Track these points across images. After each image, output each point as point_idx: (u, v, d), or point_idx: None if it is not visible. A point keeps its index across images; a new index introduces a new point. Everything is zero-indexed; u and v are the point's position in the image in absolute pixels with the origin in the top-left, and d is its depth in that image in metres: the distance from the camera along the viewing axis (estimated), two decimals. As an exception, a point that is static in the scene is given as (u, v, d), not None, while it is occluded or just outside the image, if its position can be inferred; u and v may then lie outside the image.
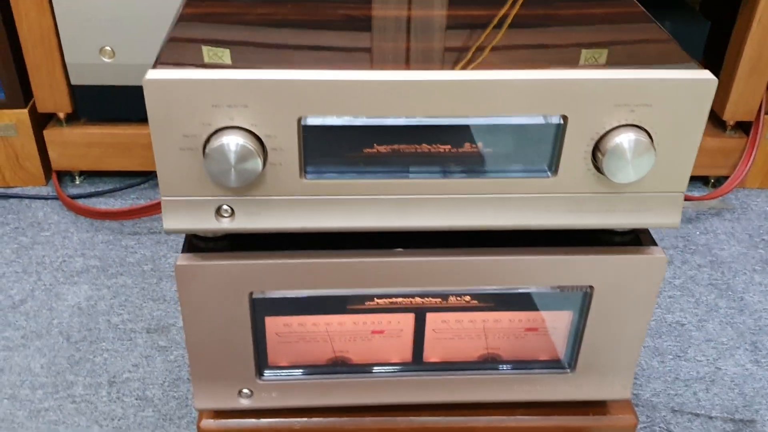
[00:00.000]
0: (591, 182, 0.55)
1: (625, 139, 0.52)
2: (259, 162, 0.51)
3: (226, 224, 0.55)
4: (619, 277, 0.60)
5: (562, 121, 0.52)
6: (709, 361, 0.87)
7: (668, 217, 0.57)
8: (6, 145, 1.07)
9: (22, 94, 1.04)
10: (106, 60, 1.00)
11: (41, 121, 1.07)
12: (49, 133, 1.06)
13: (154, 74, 0.49)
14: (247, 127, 0.51)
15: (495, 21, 0.60)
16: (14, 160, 1.08)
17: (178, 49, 0.54)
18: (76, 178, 1.12)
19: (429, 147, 0.54)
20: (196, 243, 0.59)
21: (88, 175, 1.13)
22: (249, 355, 0.63)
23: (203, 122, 0.51)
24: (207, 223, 0.55)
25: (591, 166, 0.54)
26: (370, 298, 0.61)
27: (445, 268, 0.59)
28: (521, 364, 0.66)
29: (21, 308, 0.90)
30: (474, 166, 0.55)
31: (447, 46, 0.58)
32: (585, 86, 0.51)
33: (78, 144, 1.07)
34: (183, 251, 0.58)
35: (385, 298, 0.61)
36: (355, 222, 0.55)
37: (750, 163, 1.12)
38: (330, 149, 0.53)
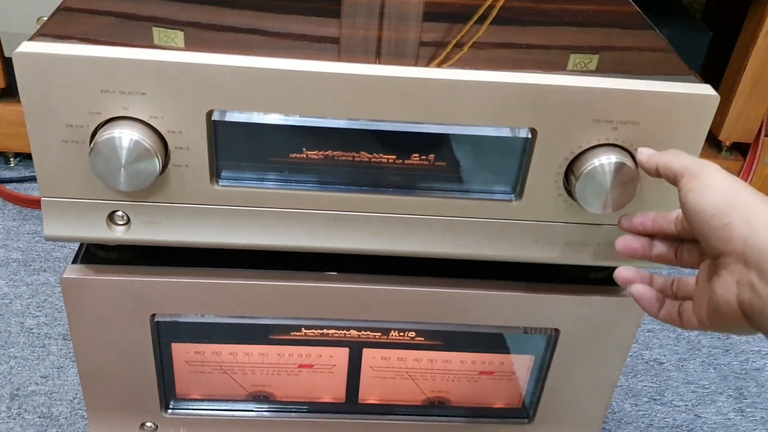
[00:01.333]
0: (562, 210, 0.46)
1: (604, 161, 0.43)
2: (157, 162, 0.41)
3: (119, 234, 0.46)
4: (589, 321, 0.51)
5: (530, 135, 0.43)
6: (687, 407, 0.78)
7: (651, 255, 0.48)
8: (-68, 119, 0.96)
9: (-49, 63, 0.94)
10: (45, 31, 0.90)
11: (-28, 96, 0.97)
12: (-20, 109, 0.96)
13: (28, 47, 0.40)
14: (145, 119, 0.41)
15: (476, 14, 0.51)
16: (-59, 136, 0.98)
17: (68, 20, 0.45)
18: (11, 159, 1.01)
19: (369, 156, 0.44)
20: (94, 252, 0.50)
21: (24, 157, 1.03)
22: (152, 385, 0.53)
23: (91, 110, 0.41)
24: (97, 231, 0.45)
25: (563, 190, 0.45)
26: (297, 328, 0.52)
27: (387, 298, 0.50)
28: (473, 411, 0.57)
29: (-75, 303, 0.80)
30: (424, 181, 0.45)
31: (408, 38, 0.49)
32: (559, 95, 0.42)
33: (12, 122, 0.97)
34: (74, 261, 0.49)
35: (315, 329, 0.52)
36: (275, 240, 0.46)
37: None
38: (248, 151, 0.44)
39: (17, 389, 0.72)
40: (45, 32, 0.42)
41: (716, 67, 1.06)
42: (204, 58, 0.40)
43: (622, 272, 0.42)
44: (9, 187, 0.96)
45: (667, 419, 0.76)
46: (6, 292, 0.82)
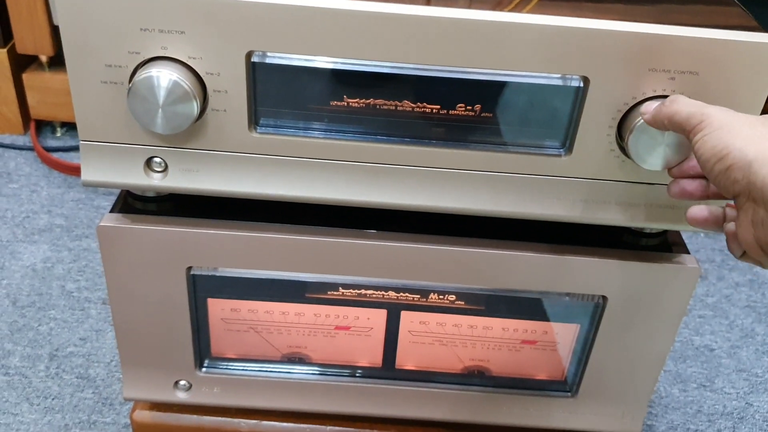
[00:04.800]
0: (614, 166, 0.44)
1: (661, 113, 0.40)
2: (195, 105, 0.41)
3: (156, 181, 0.45)
4: (639, 288, 0.49)
5: (582, 84, 0.41)
6: (739, 394, 0.75)
7: (708, 218, 0.46)
8: (-17, 87, 0.98)
9: (2, 33, 0.95)
10: None
11: (22, 64, 0.98)
12: (28, 77, 0.97)
13: (68, -18, 0.39)
14: (184, 60, 0.41)
15: None
16: (-9, 104, 0.99)
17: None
18: (57, 129, 1.02)
19: (413, 105, 0.43)
20: (132, 203, 0.49)
21: (71, 127, 1.04)
22: (187, 342, 0.53)
23: (130, 50, 0.40)
24: (134, 177, 0.45)
25: (615, 145, 0.43)
26: (335, 287, 0.51)
27: (427, 258, 0.48)
28: (514, 382, 0.55)
29: (-29, 264, 0.81)
30: (469, 133, 0.44)
31: None
32: (613, 41, 0.40)
33: (60, 91, 0.98)
34: (112, 210, 0.49)
35: (353, 288, 0.51)
36: (313, 192, 0.45)
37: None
38: (287, 97, 0.43)
39: (56, 350, 0.72)
40: (86, -30, 0.41)
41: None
42: (245, -3, 0.39)
43: (695, 211, 0.39)
44: (55, 155, 0.97)
45: (716, 406, 0.73)
46: (48, 257, 0.83)
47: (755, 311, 0.86)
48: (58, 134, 1.03)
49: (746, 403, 0.74)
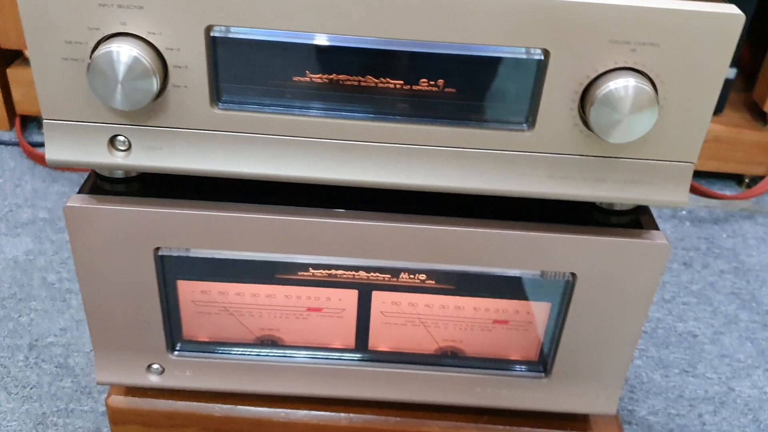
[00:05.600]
0: (578, 141, 0.44)
1: (621, 85, 0.40)
2: (155, 81, 0.40)
3: (120, 159, 0.45)
4: (608, 265, 0.48)
5: (542, 57, 0.41)
6: (721, 379, 0.75)
7: (673, 192, 0.46)
8: (-33, 82, 0.98)
9: (-15, 26, 0.95)
10: (76, -7, 0.90)
11: (6, 59, 0.98)
12: (13, 72, 0.97)
13: (26, -43, 0.39)
14: (143, 36, 0.41)
15: None
16: (-24, 100, 0.99)
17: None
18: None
19: (376, 80, 0.43)
20: (100, 185, 0.49)
21: (57, 122, 1.04)
22: (158, 325, 0.53)
23: (89, 26, 0.40)
24: (98, 156, 0.45)
25: (578, 119, 0.43)
26: (305, 267, 0.51)
27: (396, 236, 0.48)
28: (487, 363, 0.55)
29: (-48, 257, 0.81)
30: (433, 109, 0.44)
31: None
32: (573, 12, 0.40)
33: (44, 86, 0.98)
34: (80, 191, 0.49)
35: (323, 269, 0.51)
36: (277, 169, 0.45)
37: (790, 161, 0.99)
38: (249, 72, 0.43)
39: (36, 340, 0.72)
40: (45, -54, 0.41)
41: (764, 35, 1.02)
42: (203, -29, 0.39)
43: None
44: (40, 150, 0.97)
45: (698, 391, 0.73)
46: (31, 249, 0.83)
47: (739, 298, 0.85)
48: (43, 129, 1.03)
49: (728, 388, 0.74)
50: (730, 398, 0.73)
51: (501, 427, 0.59)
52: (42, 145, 0.99)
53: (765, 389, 0.74)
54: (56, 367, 0.70)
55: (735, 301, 0.85)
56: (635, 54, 0.41)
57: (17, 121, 1.00)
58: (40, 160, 0.96)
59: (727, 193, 1.01)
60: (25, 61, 0.98)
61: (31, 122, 1.04)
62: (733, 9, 0.40)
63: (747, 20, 0.95)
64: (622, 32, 0.40)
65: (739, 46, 0.97)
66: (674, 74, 0.41)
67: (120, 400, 0.59)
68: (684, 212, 0.98)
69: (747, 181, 1.04)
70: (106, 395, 0.68)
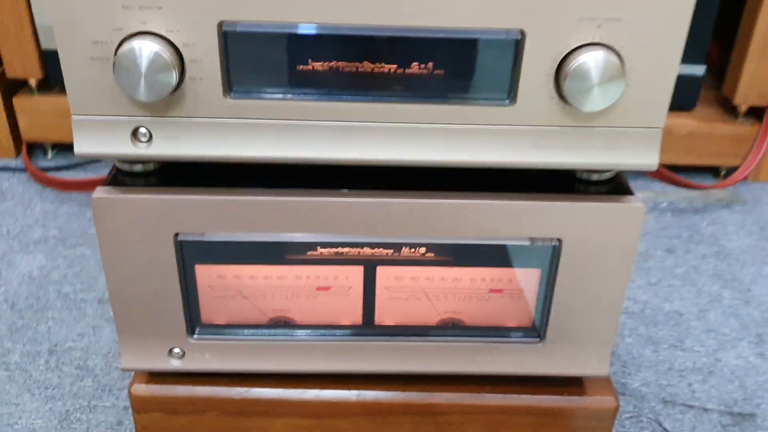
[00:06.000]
0: (555, 113, 0.48)
1: (590, 58, 0.45)
2: (174, 74, 0.45)
3: (143, 149, 0.49)
4: (590, 229, 0.53)
5: (519, 37, 0.46)
6: (708, 352, 0.79)
7: (644, 156, 0.50)
8: (-25, 113, 1.03)
9: (-8, 58, 1.00)
10: (78, 23, 0.95)
11: (12, 89, 1.03)
12: (19, 101, 1.02)
13: (56, -33, 0.44)
14: (162, 33, 0.45)
15: None
16: (-16, 130, 1.04)
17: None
18: (48, 151, 1.07)
19: (372, 66, 0.48)
20: (122, 179, 0.54)
21: (62, 148, 1.08)
22: (179, 310, 0.56)
23: (114, 27, 0.45)
24: (122, 147, 0.49)
25: (554, 93, 0.48)
26: (313, 246, 0.55)
27: (396, 211, 0.52)
28: (485, 332, 0.59)
29: (-31, 274, 0.85)
30: (424, 89, 0.48)
31: None
32: (544, -6, 0.45)
33: (50, 113, 1.03)
34: (103, 185, 0.53)
35: (330, 247, 0.55)
36: (285, 151, 0.49)
37: (762, 151, 1.04)
38: (257, 63, 0.47)
39: (55, 346, 0.76)
40: (71, -41, 0.46)
41: (730, 33, 1.08)
42: (214, -27, 0.44)
43: None
44: (52, 174, 1.01)
45: (687, 363, 0.77)
46: (44, 264, 0.87)
47: (721, 279, 0.90)
48: (49, 156, 1.08)
49: (715, 359, 0.78)
50: (717, 368, 0.77)
51: (501, 395, 0.62)
52: (48, 170, 1.04)
53: (749, 358, 0.78)
54: (76, 369, 0.73)
55: (718, 282, 0.89)
56: (601, 29, 0.46)
57: (23, 148, 1.04)
58: (48, 182, 1.00)
59: (705, 184, 1.06)
60: (30, 90, 1.02)
61: (36, 149, 1.08)
62: (685, -15, 0.45)
63: (713, 20, 1.01)
64: (589, 10, 0.45)
65: (707, 44, 1.03)
66: (637, 46, 0.46)
67: (142, 388, 0.62)
68: (665, 204, 1.03)
69: (723, 172, 1.09)
70: (125, 391, 0.71)
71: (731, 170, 1.08)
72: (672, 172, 1.02)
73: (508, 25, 0.46)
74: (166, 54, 0.45)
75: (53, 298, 0.82)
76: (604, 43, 0.46)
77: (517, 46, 0.47)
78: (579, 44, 0.46)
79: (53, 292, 0.83)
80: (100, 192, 0.52)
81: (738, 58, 1.03)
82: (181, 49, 0.46)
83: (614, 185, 0.55)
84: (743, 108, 1.05)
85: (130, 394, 0.63)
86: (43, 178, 1.00)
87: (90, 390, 0.71)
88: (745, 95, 1.03)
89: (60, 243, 0.90)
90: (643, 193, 1.05)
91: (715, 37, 1.14)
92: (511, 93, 0.48)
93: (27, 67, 0.99)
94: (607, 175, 0.54)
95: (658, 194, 1.05)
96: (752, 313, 0.85)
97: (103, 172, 0.99)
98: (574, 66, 0.45)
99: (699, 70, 1.03)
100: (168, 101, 0.47)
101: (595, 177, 0.54)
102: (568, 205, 0.52)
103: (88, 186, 0.98)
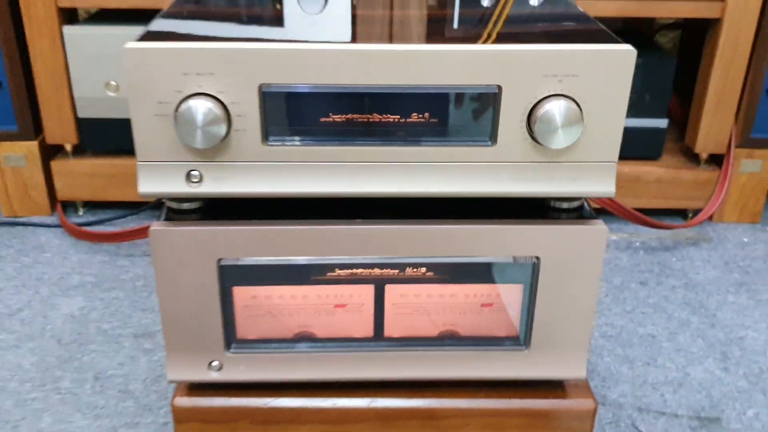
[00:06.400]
0: (529, 151, 0.60)
1: (554, 106, 0.57)
2: (224, 127, 0.57)
3: (194, 188, 0.60)
4: (562, 248, 0.64)
5: (497, 90, 0.58)
6: (678, 367, 0.89)
7: (603, 185, 0.62)
8: (16, 176, 1.14)
9: (33, 126, 1.11)
10: (111, 94, 1.08)
11: (49, 153, 1.15)
12: (56, 164, 1.14)
13: (132, 44, 0.56)
14: (214, 94, 0.57)
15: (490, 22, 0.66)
16: (23, 190, 1.15)
17: (155, 32, 0.61)
18: (79, 208, 1.18)
19: (380, 117, 0.59)
20: (172, 216, 0.65)
21: (91, 206, 1.19)
22: (218, 327, 0.67)
23: (175, 89, 0.57)
24: (178, 187, 0.60)
25: (527, 135, 0.59)
26: (332, 268, 0.66)
27: (401, 236, 0.63)
28: (479, 341, 0.69)
29: (17, 316, 0.95)
30: (422, 135, 0.60)
31: (395, 27, 0.64)
32: (515, 57, 0.57)
33: (82, 174, 1.14)
34: (158, 220, 0.64)
35: (346, 269, 0.66)
36: (312, 187, 0.60)
37: (723, 194, 1.16)
38: (289, 117, 0.59)
39: (98, 373, 0.85)
40: (141, 38, 0.58)
41: (689, 91, 1.21)
42: (253, 45, 0.56)
43: None
44: (89, 228, 1.12)
45: (659, 377, 0.87)
46: (84, 305, 0.97)
47: (690, 306, 1.00)
48: (80, 213, 1.19)
49: (684, 373, 0.88)
50: (686, 381, 0.87)
51: (495, 400, 0.72)
52: (81, 225, 1.14)
53: (715, 372, 0.88)
54: (119, 392, 0.82)
55: (686, 309, 1.00)
56: (562, 83, 0.58)
57: (59, 206, 1.15)
58: (81, 235, 1.10)
59: (674, 224, 1.17)
60: (66, 155, 1.14)
61: (68, 207, 1.19)
62: (627, 47, 0.57)
63: (672, 80, 1.15)
64: (552, 68, 0.57)
65: (667, 101, 1.16)
66: (591, 97, 0.58)
67: (183, 401, 0.72)
68: (638, 243, 1.14)
69: (690, 214, 1.21)
70: (163, 410, 0.80)
71: (697, 212, 1.19)
72: (643, 215, 1.13)
73: (488, 81, 0.58)
74: (218, 110, 0.56)
75: (94, 333, 0.92)
76: (565, 94, 0.58)
77: (495, 98, 0.58)
78: (545, 95, 0.58)
79: (93, 329, 0.92)
80: (156, 225, 0.62)
81: (696, 113, 1.16)
82: (228, 107, 0.57)
83: (581, 212, 0.66)
84: (704, 156, 1.18)
85: (172, 406, 0.72)
86: (76, 232, 1.11)
87: (132, 409, 0.80)
88: (704, 145, 1.16)
89: (96, 287, 1.01)
90: (618, 235, 1.17)
91: (678, 94, 1.28)
92: (492, 135, 0.60)
93: (65, 134, 1.11)
94: (575, 204, 0.66)
95: (632, 235, 1.17)
96: (717, 335, 0.95)
97: (129, 226, 1.10)
98: (541, 112, 0.57)
99: (662, 123, 1.16)
100: (216, 148, 0.59)
101: (565, 205, 0.66)
102: (544, 228, 0.63)
103: (118, 237, 1.09)
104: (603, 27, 0.64)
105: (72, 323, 0.93)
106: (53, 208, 1.17)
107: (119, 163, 1.14)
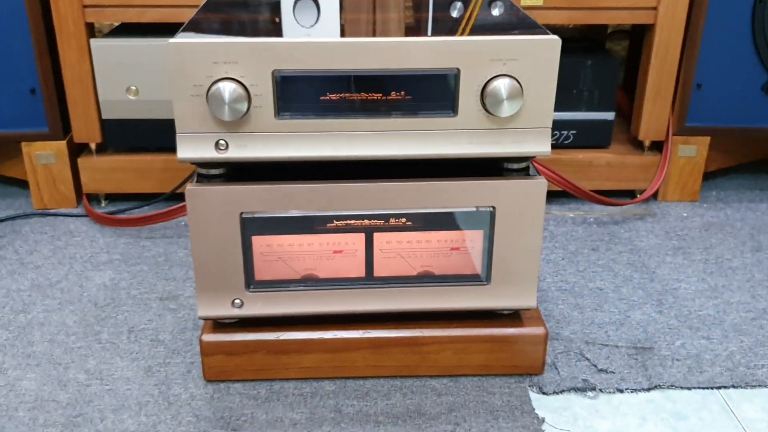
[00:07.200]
0: (482, 119, 0.77)
1: (500, 83, 0.74)
2: (245, 104, 0.74)
3: (222, 154, 0.77)
4: (512, 199, 0.81)
5: (457, 72, 0.75)
6: (620, 311, 1.05)
7: (541, 146, 0.79)
8: (46, 172, 1.29)
9: (62, 127, 1.27)
10: (131, 97, 1.24)
11: (76, 151, 1.31)
12: (82, 161, 1.29)
13: (175, 40, 0.73)
14: (237, 78, 0.74)
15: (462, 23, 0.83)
16: (52, 185, 1.30)
17: (189, 31, 0.78)
18: (102, 201, 1.34)
19: (366, 95, 0.76)
20: (202, 180, 0.81)
21: (112, 198, 1.35)
22: (240, 270, 0.83)
23: (206, 75, 0.74)
24: (209, 153, 0.77)
25: (481, 107, 0.76)
26: (330, 219, 0.82)
27: (385, 192, 0.80)
28: (449, 279, 0.86)
29: (57, 286, 1.10)
30: (400, 109, 0.77)
31: (378, 27, 0.82)
32: (470, 46, 0.74)
33: (105, 170, 1.30)
34: (191, 182, 0.80)
35: (342, 220, 0.82)
36: (314, 152, 0.77)
37: (663, 175, 1.34)
38: (296, 96, 0.76)
39: (131, 328, 1.01)
40: (179, 35, 0.74)
41: (634, 87, 1.39)
42: (268, 39, 0.73)
43: None
44: (114, 215, 1.28)
45: (604, 319, 1.04)
46: (114, 277, 1.13)
47: (633, 266, 1.18)
48: (103, 204, 1.34)
49: (625, 316, 1.05)
50: (627, 321, 1.03)
51: (464, 329, 0.89)
52: (107, 214, 1.30)
53: (651, 314, 1.05)
54: (151, 341, 0.98)
55: (630, 268, 1.17)
56: (506, 66, 0.75)
57: (84, 197, 1.31)
58: (106, 221, 1.26)
59: (622, 201, 1.35)
60: (91, 153, 1.30)
61: (92, 199, 1.35)
62: (554, 37, 0.75)
63: (617, 77, 1.33)
64: (497, 54, 0.74)
65: (614, 95, 1.34)
66: (529, 75, 0.75)
67: (210, 337, 0.87)
68: (592, 219, 1.32)
69: (637, 194, 1.38)
70: (190, 353, 0.96)
71: (643, 191, 1.37)
72: (597, 194, 1.30)
73: (450, 65, 0.75)
74: (240, 90, 0.73)
75: (125, 298, 1.07)
76: (508, 74, 0.75)
77: (455, 78, 0.75)
78: (493, 75, 0.75)
79: (124, 295, 1.08)
80: (191, 186, 0.79)
81: (638, 105, 1.34)
82: (249, 88, 0.74)
83: (527, 172, 0.83)
84: (647, 143, 1.35)
85: (200, 341, 0.88)
86: (102, 219, 1.27)
87: (163, 353, 0.95)
88: (646, 132, 1.34)
89: (123, 263, 1.16)
90: (575, 212, 1.34)
91: (626, 91, 1.46)
92: (453, 108, 0.77)
93: (90, 134, 1.27)
94: (523, 165, 0.83)
95: (586, 212, 1.34)
96: (655, 287, 1.12)
97: (148, 213, 1.26)
98: (491, 88, 0.74)
99: (610, 116, 1.34)
100: (239, 121, 0.75)
101: (515, 166, 0.83)
102: (498, 183, 0.80)
103: (139, 222, 1.25)
104: (540, 24, 0.81)
105: (105, 291, 1.09)
106: (79, 200, 1.33)
107: (138, 159, 1.30)
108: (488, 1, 0.93)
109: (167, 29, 1.20)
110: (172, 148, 0.74)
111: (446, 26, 0.84)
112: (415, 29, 0.85)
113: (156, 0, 1.19)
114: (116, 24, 1.38)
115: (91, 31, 1.25)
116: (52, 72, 1.24)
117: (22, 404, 0.87)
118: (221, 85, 0.73)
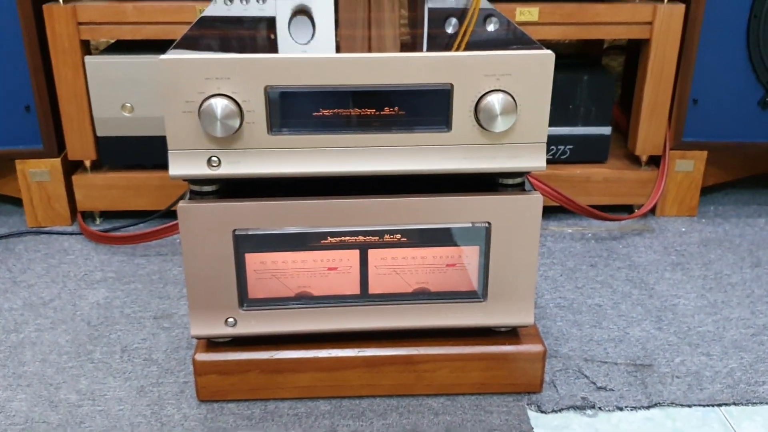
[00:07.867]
0: (477, 135, 0.76)
1: (494, 98, 0.74)
2: (238, 120, 0.73)
3: (214, 171, 0.76)
4: (508, 214, 0.80)
5: (450, 87, 0.75)
6: (619, 328, 1.04)
7: (536, 161, 0.78)
8: (40, 189, 1.29)
9: (57, 144, 1.27)
10: (126, 114, 1.24)
11: (70, 168, 1.30)
12: (77, 178, 1.29)
13: (166, 56, 0.72)
14: (230, 94, 0.73)
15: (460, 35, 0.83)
16: (46, 202, 1.30)
17: (181, 47, 0.77)
18: (96, 218, 1.33)
19: (359, 111, 0.76)
20: (195, 197, 0.80)
21: (107, 215, 1.34)
22: (233, 288, 0.82)
23: (199, 91, 0.73)
24: (201, 170, 0.76)
25: (475, 122, 0.76)
26: (324, 236, 0.81)
27: (380, 208, 0.79)
28: (445, 295, 0.85)
29: (50, 304, 1.09)
30: (393, 124, 0.76)
31: (373, 44, 0.81)
32: (463, 61, 0.74)
33: (100, 187, 1.29)
34: (183, 199, 0.79)
35: (336, 237, 0.81)
36: (307, 168, 0.76)
37: (661, 190, 1.33)
38: (289, 112, 0.75)
39: (125, 347, 1.00)
40: (170, 51, 0.74)
41: (631, 103, 1.39)
42: (260, 56, 0.72)
43: None
44: (108, 233, 1.27)
45: (603, 336, 1.03)
46: (107, 295, 1.12)
47: (632, 282, 1.17)
48: (97, 222, 1.34)
49: (624, 332, 1.04)
50: (626, 338, 1.02)
51: (461, 347, 0.87)
52: (102, 232, 1.29)
53: (650, 331, 1.04)
54: (144, 360, 0.97)
55: (629, 284, 1.16)
56: (499, 81, 0.74)
57: (79, 215, 1.30)
58: (100, 239, 1.25)
59: (620, 217, 1.34)
60: (85, 170, 1.29)
61: (87, 217, 1.34)
62: (547, 52, 0.74)
63: (613, 93, 1.32)
64: (490, 69, 0.74)
65: (610, 111, 1.33)
66: (523, 90, 0.75)
67: (203, 356, 0.86)
68: (590, 234, 1.31)
69: (635, 209, 1.38)
70: (183, 372, 0.95)
71: (641, 207, 1.36)
72: (594, 210, 1.30)
73: (443, 80, 0.74)
74: (233, 107, 0.72)
75: (118, 316, 1.06)
76: (502, 89, 0.74)
77: (449, 93, 0.75)
78: (487, 90, 0.75)
79: (117, 313, 1.07)
80: (184, 203, 0.78)
81: (635, 120, 1.33)
82: (241, 104, 0.73)
83: (522, 187, 0.82)
84: (644, 158, 1.35)
85: (193, 361, 0.87)
86: (96, 236, 1.26)
87: (156, 373, 0.94)
88: (643, 148, 1.33)
89: (117, 281, 1.15)
90: (572, 228, 1.33)
91: (622, 107, 1.46)
92: (447, 123, 0.76)
93: (85, 151, 1.27)
94: (518, 180, 0.82)
95: (584, 228, 1.33)
96: (654, 303, 1.11)
97: (142, 231, 1.25)
98: (484, 103, 0.74)
99: (606, 130, 1.34)
100: (231, 138, 0.74)
101: (510, 182, 0.82)
102: (493, 198, 0.80)
103: (133, 240, 1.24)
104: (534, 40, 0.81)
105: (98, 309, 1.08)
106: (73, 218, 1.32)
107: (133, 176, 1.29)
108: (483, 16, 0.93)
109: (162, 46, 1.19)
110: (167, 165, 0.73)
111: (441, 42, 0.83)
112: (410, 45, 0.84)
113: (151, 17, 1.19)
114: (112, 41, 1.38)
115: (87, 48, 1.24)
116: (46, 89, 1.23)
117: (12, 426, 0.85)
118: (213, 101, 0.72)
